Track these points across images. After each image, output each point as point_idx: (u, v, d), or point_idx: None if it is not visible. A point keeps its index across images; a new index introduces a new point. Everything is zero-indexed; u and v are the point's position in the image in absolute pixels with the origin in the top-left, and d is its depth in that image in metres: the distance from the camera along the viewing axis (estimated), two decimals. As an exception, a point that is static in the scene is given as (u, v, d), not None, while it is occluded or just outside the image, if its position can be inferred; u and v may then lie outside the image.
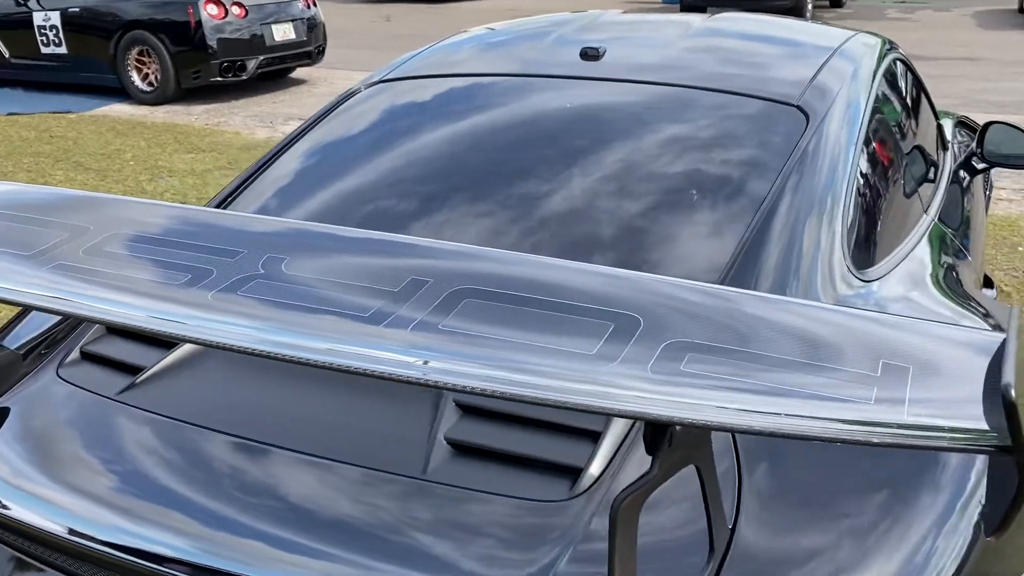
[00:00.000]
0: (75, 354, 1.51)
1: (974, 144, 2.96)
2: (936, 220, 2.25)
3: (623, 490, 0.82)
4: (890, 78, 2.32)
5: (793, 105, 1.89)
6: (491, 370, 0.81)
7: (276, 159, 2.04)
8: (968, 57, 10.46)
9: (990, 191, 3.60)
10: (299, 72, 10.20)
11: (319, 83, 9.88)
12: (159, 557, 1.15)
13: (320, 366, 0.85)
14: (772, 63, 2.14)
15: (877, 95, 2.11)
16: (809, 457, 1.21)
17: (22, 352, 1.61)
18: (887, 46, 2.43)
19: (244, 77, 8.82)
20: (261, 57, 8.85)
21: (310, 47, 9.42)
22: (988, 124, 2.89)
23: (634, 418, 0.82)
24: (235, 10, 8.65)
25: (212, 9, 8.49)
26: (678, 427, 0.81)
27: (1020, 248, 4.69)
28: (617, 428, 1.21)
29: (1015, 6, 15.30)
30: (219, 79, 8.67)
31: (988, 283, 2.52)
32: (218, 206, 1.91)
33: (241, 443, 1.27)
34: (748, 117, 1.88)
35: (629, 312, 0.89)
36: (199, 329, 0.91)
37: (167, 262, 1.07)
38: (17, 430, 1.37)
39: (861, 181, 1.84)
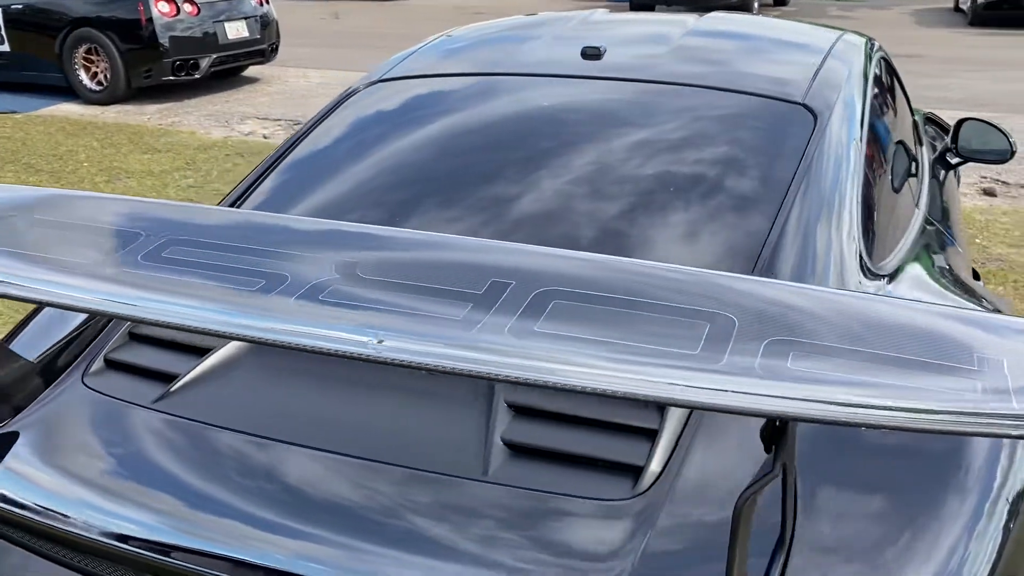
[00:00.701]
0: (99, 363, 1.49)
1: (948, 140, 3.05)
2: (926, 214, 2.32)
3: (745, 489, 0.84)
4: (878, 76, 2.38)
5: (800, 103, 1.93)
6: (604, 371, 0.83)
7: (285, 158, 2.03)
8: (910, 54, 10.74)
9: (958, 186, 3.72)
10: (251, 70, 10.05)
11: (272, 81, 9.75)
12: (215, 565, 1.14)
13: (430, 369, 0.85)
14: (772, 62, 2.19)
15: (872, 93, 2.17)
16: (858, 451, 1.24)
17: (36, 362, 1.58)
18: (872, 44, 2.50)
19: (197, 76, 8.67)
20: (214, 55, 8.71)
21: (263, 45, 9.30)
22: (962, 121, 2.99)
23: (767, 416, 0.84)
24: (187, 7, 8.50)
25: (163, 6, 8.33)
26: (790, 424, 0.84)
27: (977, 240, 4.84)
28: (672, 425, 1.24)
29: (951, 4, 15.76)
30: (171, 78, 8.51)
31: (975, 275, 2.62)
32: (232, 206, 1.89)
33: (292, 449, 1.27)
34: (758, 115, 1.92)
35: (722, 312, 0.92)
36: (296, 335, 0.91)
37: (236, 267, 1.06)
38: (54, 441, 1.35)
39: (866, 178, 1.89)
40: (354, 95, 2.24)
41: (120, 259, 1.11)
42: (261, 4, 9.33)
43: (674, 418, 1.24)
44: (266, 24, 9.31)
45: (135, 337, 1.53)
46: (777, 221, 1.61)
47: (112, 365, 1.48)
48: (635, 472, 1.19)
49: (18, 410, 1.42)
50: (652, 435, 1.23)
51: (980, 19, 13.41)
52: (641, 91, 2.04)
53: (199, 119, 8.03)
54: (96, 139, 7.32)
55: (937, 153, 3.09)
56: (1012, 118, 6.05)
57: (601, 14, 2.68)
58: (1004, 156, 2.90)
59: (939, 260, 2.11)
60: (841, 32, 2.47)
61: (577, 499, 1.15)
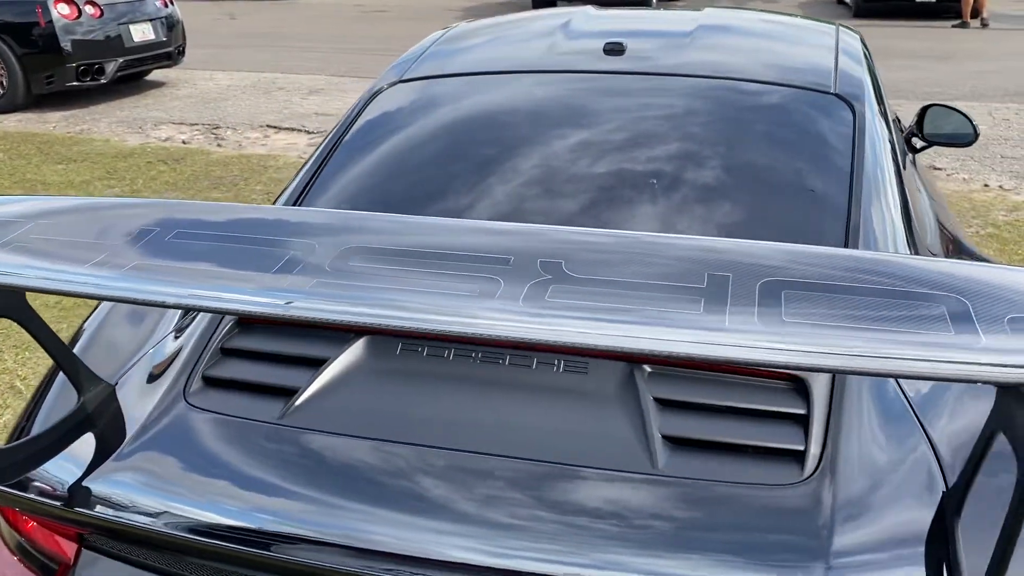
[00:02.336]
0: (198, 382, 1.42)
1: (913, 125, 3.21)
2: (929, 197, 2.44)
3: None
4: (873, 66, 2.49)
5: (833, 94, 2.01)
6: (867, 360, 0.86)
7: (329, 160, 1.97)
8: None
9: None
10: (156, 74, 9.68)
11: (180, 84, 9.41)
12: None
13: (697, 361, 0.86)
14: (790, 54, 2.26)
15: (879, 82, 2.27)
16: None
17: (116, 384, 1.50)
18: (862, 38, 2.61)
19: (103, 81, 8.29)
20: (120, 59, 8.34)
21: (170, 47, 8.96)
22: (927, 107, 3.14)
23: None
24: (89, 9, 8.11)
25: (64, 8, 7.92)
26: None
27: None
28: (820, 409, 1.27)
29: (835, -3, 16.47)
30: (76, 84, 8.11)
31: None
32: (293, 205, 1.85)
33: (444, 453, 1.25)
34: (799, 106, 1.98)
35: (951, 295, 0.95)
36: (554, 333, 0.91)
37: (458, 274, 1.04)
38: (182, 468, 1.28)
39: (896, 164, 1.98)
40: (379, 96, 2.20)
41: (247, 264, 1.09)
42: (165, 5, 8.99)
43: (820, 401, 1.28)
44: (172, 26, 8.98)
45: (228, 353, 1.48)
46: (853, 211, 1.66)
47: (212, 383, 1.42)
48: (797, 456, 1.22)
49: (118, 437, 1.35)
50: (802, 420, 1.26)
51: (864, 11, 14.06)
52: (678, 85, 2.07)
53: (110, 126, 7.68)
54: (1, 150, 6.92)
55: (903, 138, 3.25)
56: (909, 104, 6.38)
57: (594, 10, 2.71)
58: (968, 139, 3.07)
59: (956, 237, 2.22)
60: (835, 25, 2.57)
61: (751, 486, 1.18)
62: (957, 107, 3.12)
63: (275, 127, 7.64)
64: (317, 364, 1.40)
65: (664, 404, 1.30)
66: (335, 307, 0.99)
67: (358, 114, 2.14)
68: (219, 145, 7.08)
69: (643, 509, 1.16)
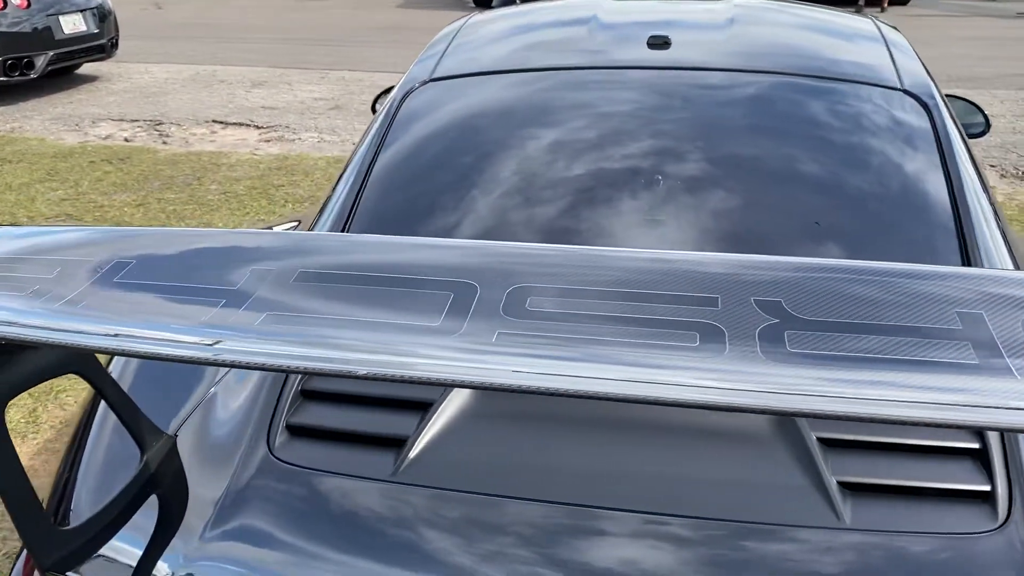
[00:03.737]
0: (282, 433, 1.24)
1: None
2: None
3: None
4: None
5: (901, 90, 1.91)
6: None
7: (374, 168, 1.79)
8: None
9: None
10: (86, 68, 9.20)
11: (114, 79, 8.96)
12: None
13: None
14: (843, 49, 2.15)
15: (933, 76, 2.19)
16: None
17: (175, 434, 1.31)
18: (898, 29, 2.52)
19: (33, 76, 7.82)
20: (51, 52, 7.87)
21: (103, 39, 8.51)
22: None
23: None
24: (15, 0, 7.63)
25: (-12, -1, 7.45)
26: None
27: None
28: (995, 442, 1.16)
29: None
30: (3, 79, 7.63)
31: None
32: (341, 227, 1.65)
33: (600, 514, 1.09)
34: (871, 103, 1.87)
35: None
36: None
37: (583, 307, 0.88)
38: (290, 533, 1.10)
39: (973, 160, 1.89)
40: (412, 95, 2.02)
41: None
42: (96, -5, 8.54)
43: (994, 434, 1.17)
44: (104, 16, 8.53)
45: (309, 396, 1.30)
46: (960, 211, 1.56)
47: (298, 432, 1.24)
48: (984, 498, 1.10)
49: (200, 504, 1.16)
50: (981, 455, 1.15)
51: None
52: (737, 82, 1.94)
53: (44, 123, 7.24)
54: (-74, 151, 6.46)
55: None
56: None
57: (616, 2, 2.57)
58: (980, 130, 3.02)
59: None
60: (867, 15, 2.48)
61: (944, 536, 1.06)
62: (969, 99, 3.08)
63: (222, 122, 7.31)
64: (417, 407, 1.24)
65: (828, 444, 1.17)
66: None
67: (394, 115, 1.96)
68: (165, 143, 6.74)
69: (841, 570, 1.03)
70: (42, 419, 3.10)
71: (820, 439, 1.17)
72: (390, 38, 11.83)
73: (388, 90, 3.47)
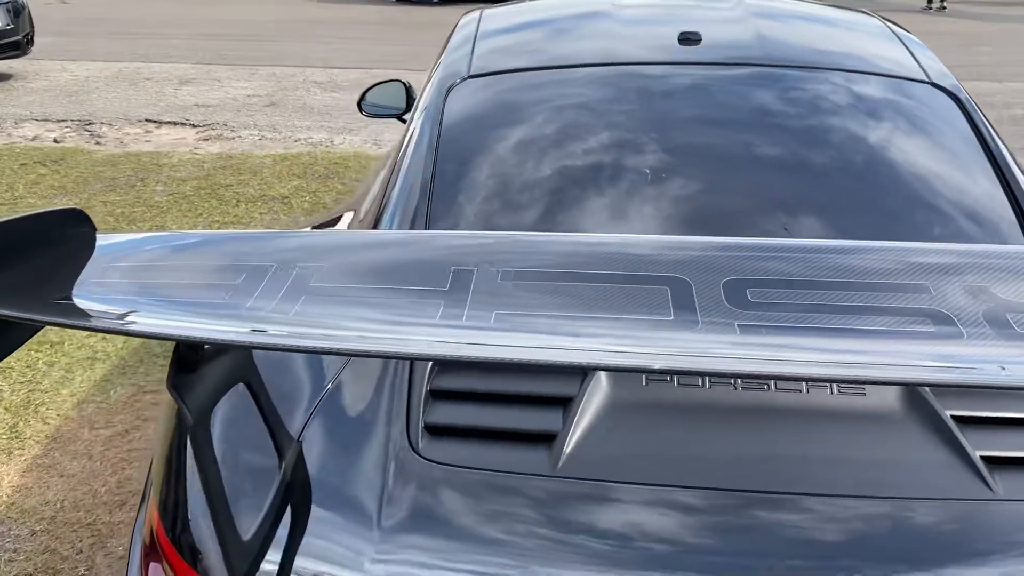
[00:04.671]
0: (424, 434, 1.22)
1: None
2: None
3: None
4: None
5: (930, 83, 1.99)
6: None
7: (436, 167, 1.77)
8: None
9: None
10: (-1, 66, 8.77)
11: (30, 77, 8.56)
12: None
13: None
14: (865, 44, 2.23)
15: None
16: None
17: (299, 439, 1.28)
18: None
19: (-54, 74, 7.41)
20: (-35, 50, 7.48)
21: (18, 36, 8.12)
22: None
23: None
24: (-76, -6, 7.22)
25: None
26: None
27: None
28: None
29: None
30: (-86, 78, 7.21)
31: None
32: (425, 226, 1.64)
33: (758, 497, 1.12)
34: (905, 96, 1.95)
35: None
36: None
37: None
38: (471, 540, 1.09)
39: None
40: (452, 92, 2.01)
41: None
42: (9, -12, 8.13)
43: None
44: (18, 11, 8.14)
45: (438, 395, 1.28)
46: (1017, 198, 1.65)
47: (439, 432, 1.23)
48: None
49: (353, 510, 1.14)
50: None
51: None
52: (777, 76, 1.99)
53: (-39, 125, 6.88)
54: None
55: None
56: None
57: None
58: None
59: None
60: (875, 16, 2.56)
61: None
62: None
63: (155, 121, 7.08)
64: (555, 402, 1.24)
65: (962, 422, 1.22)
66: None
67: (442, 112, 1.94)
68: (98, 143, 6.49)
69: (1002, 539, 1.08)
70: (26, 434, 2.96)
71: (954, 416, 1.22)
72: (312, 33, 11.64)
73: (373, 87, 3.42)
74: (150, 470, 1.51)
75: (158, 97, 7.86)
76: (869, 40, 2.24)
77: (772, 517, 1.10)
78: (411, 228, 1.64)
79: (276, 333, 0.87)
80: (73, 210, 1.12)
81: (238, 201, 5.31)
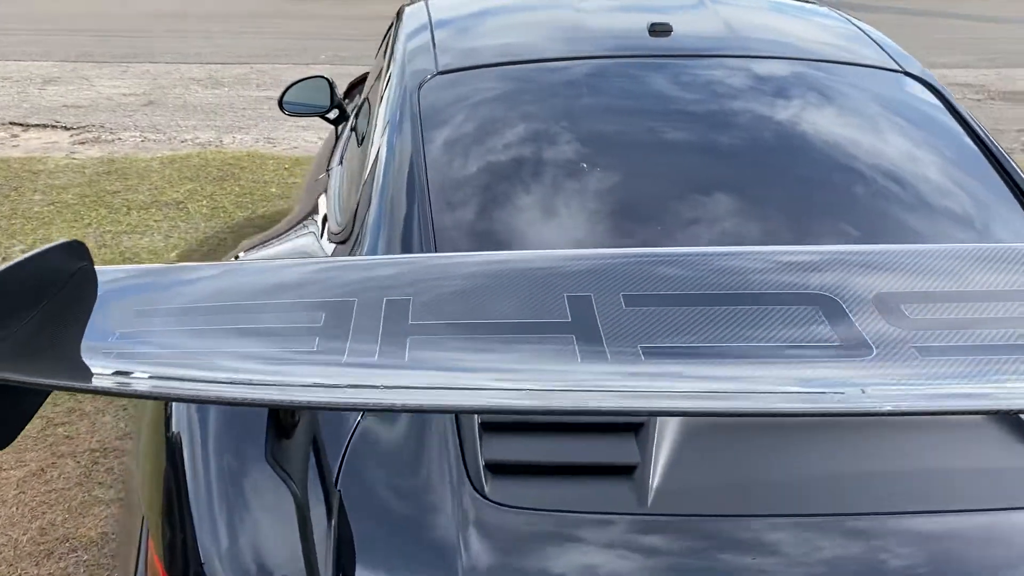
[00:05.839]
0: (487, 475, 1.10)
1: None
2: None
3: None
4: None
5: (903, 72, 1.99)
6: None
7: (429, 174, 1.63)
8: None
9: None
10: None
11: None
12: None
13: None
14: (833, 34, 2.21)
15: None
16: None
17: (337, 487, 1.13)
18: None
19: None
20: None
21: None
22: None
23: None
24: None
25: None
26: None
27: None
28: None
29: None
30: None
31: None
32: (433, 236, 1.49)
33: (842, 520, 1.05)
34: (882, 85, 1.93)
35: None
36: None
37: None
38: None
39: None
40: (424, 89, 1.86)
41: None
42: None
43: None
44: None
45: (490, 428, 1.15)
46: (1012, 178, 1.65)
47: (501, 470, 1.10)
48: None
49: (424, 563, 1.01)
50: None
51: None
52: (753, 68, 1.95)
53: None
54: None
55: None
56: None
57: None
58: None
59: None
60: (826, 7, 2.55)
61: None
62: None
63: (21, 124, 6.55)
64: (624, 430, 1.13)
65: None
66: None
67: (418, 113, 1.79)
68: (-42, 150, 5.94)
69: None
70: (-76, 483, 2.64)
71: None
72: (178, 27, 11.04)
73: (294, 84, 3.21)
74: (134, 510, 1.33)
75: (21, 98, 7.29)
76: (836, 31, 2.23)
77: (872, 538, 1.04)
78: (413, 240, 1.50)
79: (394, 387, 0.73)
80: (71, 244, 0.94)
81: (129, 208, 4.95)
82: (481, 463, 1.10)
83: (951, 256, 0.94)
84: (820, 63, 1.97)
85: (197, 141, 6.31)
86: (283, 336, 0.80)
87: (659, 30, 2.05)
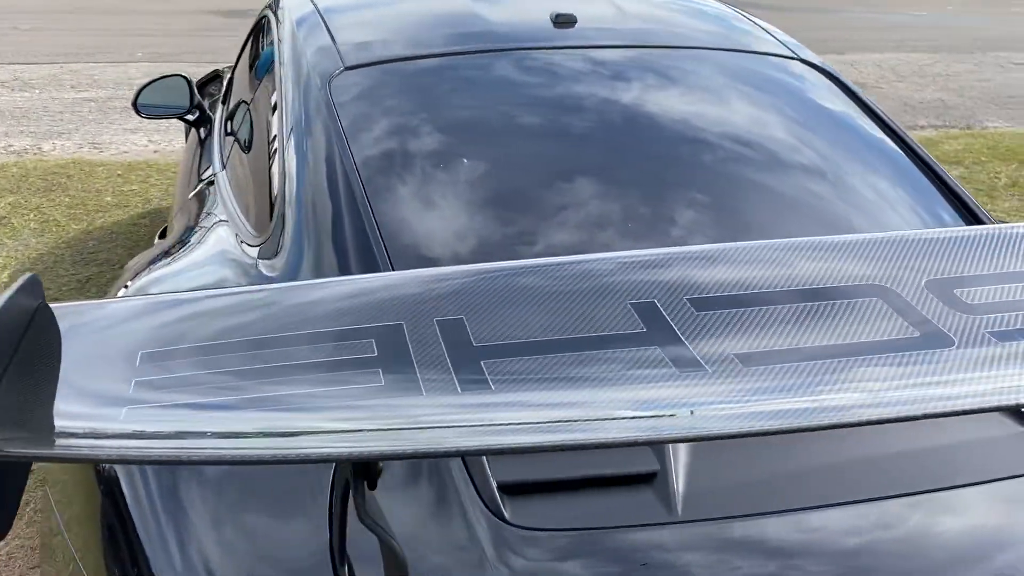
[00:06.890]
0: (504, 498, 1.02)
1: None
2: None
3: None
4: None
5: (798, 59, 2.05)
6: None
7: (364, 178, 1.51)
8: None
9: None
10: None
11: None
12: None
13: None
14: (730, 26, 2.24)
15: None
16: None
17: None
18: None
19: None
20: None
21: None
22: None
23: None
24: None
25: None
26: None
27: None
28: None
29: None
30: None
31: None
32: (382, 246, 1.38)
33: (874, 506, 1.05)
34: (780, 72, 1.98)
35: None
36: None
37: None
38: None
39: None
40: (334, 86, 1.74)
41: None
42: None
43: None
44: None
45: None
46: (921, 159, 1.72)
47: (515, 491, 1.03)
48: None
49: None
50: None
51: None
52: (655, 57, 1.95)
53: None
54: None
55: None
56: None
57: None
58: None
59: None
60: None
61: None
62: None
63: None
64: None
65: None
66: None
67: (336, 112, 1.66)
68: None
69: None
70: None
71: None
72: (66, 24, 10.06)
73: (149, 84, 2.96)
74: None
75: None
76: (731, 22, 2.27)
77: (910, 520, 1.04)
78: (368, 241, 1.38)
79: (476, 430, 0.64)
80: (28, 281, 0.80)
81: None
82: (493, 485, 1.02)
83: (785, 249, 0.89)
84: (724, 52, 2.00)
85: (12, 149, 5.76)
86: (337, 371, 0.69)
87: (564, 21, 2.02)
